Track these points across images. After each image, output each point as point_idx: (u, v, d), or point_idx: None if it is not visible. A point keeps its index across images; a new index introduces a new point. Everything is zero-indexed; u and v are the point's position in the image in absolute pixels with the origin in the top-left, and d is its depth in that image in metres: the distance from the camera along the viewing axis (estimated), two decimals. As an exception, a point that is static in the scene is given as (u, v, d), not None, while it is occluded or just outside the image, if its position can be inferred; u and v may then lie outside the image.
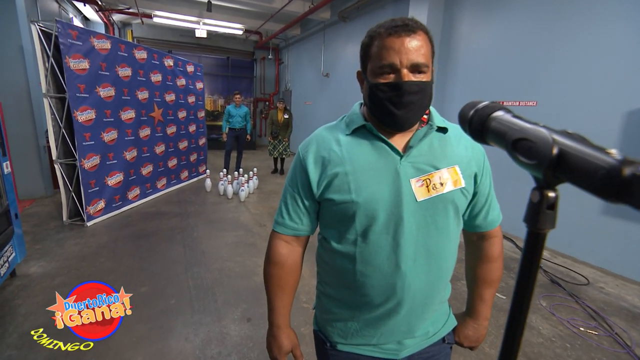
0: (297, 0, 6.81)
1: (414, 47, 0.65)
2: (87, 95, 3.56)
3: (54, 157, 3.50)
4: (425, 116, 0.77)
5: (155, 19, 8.08)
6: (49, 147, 4.22)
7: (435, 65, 0.75)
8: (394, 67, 0.66)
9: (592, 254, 3.12)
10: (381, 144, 0.73)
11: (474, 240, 0.87)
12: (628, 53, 2.81)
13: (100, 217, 3.79)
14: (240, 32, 9.20)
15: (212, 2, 6.89)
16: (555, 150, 0.28)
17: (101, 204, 3.81)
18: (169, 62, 5.03)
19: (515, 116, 0.36)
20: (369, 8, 6.09)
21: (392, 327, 0.76)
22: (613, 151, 0.26)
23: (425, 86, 0.68)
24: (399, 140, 0.73)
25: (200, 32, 8.47)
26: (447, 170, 0.72)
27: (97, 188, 3.74)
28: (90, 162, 3.64)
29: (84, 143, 3.55)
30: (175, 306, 2.23)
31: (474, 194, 0.78)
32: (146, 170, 4.63)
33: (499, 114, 0.38)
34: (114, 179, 3.99)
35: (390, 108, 0.68)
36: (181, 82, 5.38)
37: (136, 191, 4.44)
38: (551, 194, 0.30)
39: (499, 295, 2.55)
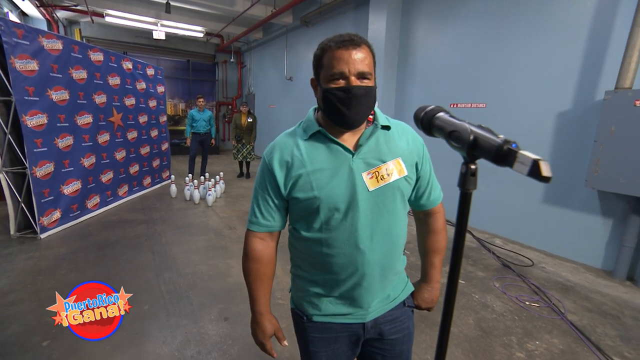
0: (259, 4, 6.85)
1: (359, 58, 0.77)
2: (37, 99, 3.35)
3: (-2, 166, 3.25)
4: (370, 116, 0.90)
5: (108, 19, 7.66)
6: (-10, 155, 3.88)
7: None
8: (343, 74, 0.77)
9: (536, 239, 3.52)
10: (335, 146, 0.84)
11: (422, 217, 1.02)
12: (557, 61, 3.24)
13: (55, 228, 3.57)
14: (201, 35, 9.04)
15: (171, 3, 6.72)
16: (471, 137, 0.43)
17: (57, 214, 3.59)
18: (127, 65, 4.85)
19: (451, 116, 0.52)
20: (330, 14, 6.30)
21: (357, 297, 0.89)
22: (501, 136, 0.43)
23: (370, 90, 0.80)
24: (349, 140, 0.85)
25: (159, 34, 8.19)
26: (392, 162, 0.84)
27: (52, 197, 3.53)
28: (42, 170, 3.42)
29: (35, 150, 3.33)
30: (149, 312, 2.20)
31: (417, 179, 0.92)
32: (106, 177, 4.42)
33: (441, 114, 0.54)
34: (71, 188, 3.78)
35: (342, 108, 0.79)
36: (141, 85, 5.20)
37: (96, 199, 4.22)
38: (472, 166, 0.47)
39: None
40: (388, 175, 0.83)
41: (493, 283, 2.76)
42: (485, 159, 0.44)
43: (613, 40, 2.86)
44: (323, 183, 0.81)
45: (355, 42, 0.78)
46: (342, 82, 0.78)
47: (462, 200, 0.46)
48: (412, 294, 1.04)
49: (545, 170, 0.37)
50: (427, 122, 0.55)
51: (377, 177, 0.83)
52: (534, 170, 0.37)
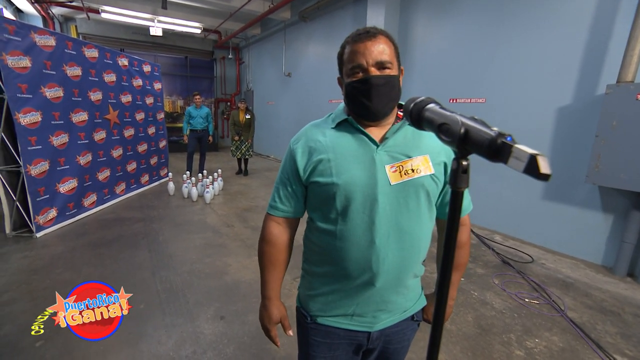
0: (257, -1, 6.78)
1: (376, 49, 0.76)
2: (31, 96, 3.31)
3: (-8, 165, 3.21)
4: (400, 113, 0.86)
5: (104, 15, 7.58)
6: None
7: (403, 64, 0.85)
8: (362, 67, 0.77)
9: (536, 235, 3.49)
10: (361, 135, 0.82)
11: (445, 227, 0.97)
12: (558, 54, 3.19)
13: (51, 226, 3.54)
14: (199, 31, 8.95)
15: (167, -1, 6.64)
16: (462, 130, 0.39)
17: (53, 213, 3.56)
18: (123, 62, 4.79)
19: (442, 107, 0.48)
20: (329, 8, 6.22)
21: (367, 299, 0.84)
22: (495, 128, 0.38)
23: (391, 78, 0.78)
24: (376, 133, 0.82)
25: (156, 30, 8.10)
26: (419, 158, 0.80)
27: (48, 196, 3.49)
28: (37, 169, 3.39)
29: (29, 148, 3.29)
30: (144, 311, 2.18)
31: (445, 183, 0.85)
32: (103, 175, 4.39)
33: (431, 106, 0.49)
34: (67, 186, 3.75)
35: (363, 101, 0.78)
36: (137, 82, 5.15)
37: (93, 198, 4.19)
38: (464, 162, 0.42)
39: (456, 276, 2.78)
40: (413, 171, 0.79)
41: (492, 280, 2.74)
42: (477, 154, 0.40)
43: (615, 33, 2.80)
44: (342, 170, 0.79)
45: (370, 33, 0.77)
46: (360, 75, 0.77)
47: (454, 199, 0.42)
48: (423, 308, 0.98)
49: (544, 167, 0.33)
50: (416, 115, 0.51)
51: (400, 172, 0.79)
52: (531, 167, 0.33)
